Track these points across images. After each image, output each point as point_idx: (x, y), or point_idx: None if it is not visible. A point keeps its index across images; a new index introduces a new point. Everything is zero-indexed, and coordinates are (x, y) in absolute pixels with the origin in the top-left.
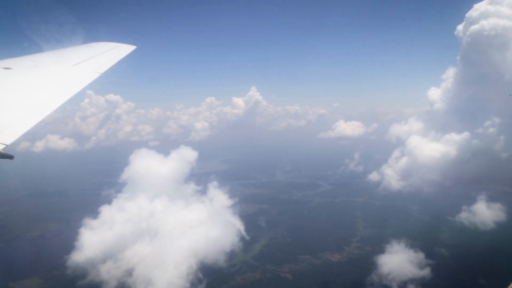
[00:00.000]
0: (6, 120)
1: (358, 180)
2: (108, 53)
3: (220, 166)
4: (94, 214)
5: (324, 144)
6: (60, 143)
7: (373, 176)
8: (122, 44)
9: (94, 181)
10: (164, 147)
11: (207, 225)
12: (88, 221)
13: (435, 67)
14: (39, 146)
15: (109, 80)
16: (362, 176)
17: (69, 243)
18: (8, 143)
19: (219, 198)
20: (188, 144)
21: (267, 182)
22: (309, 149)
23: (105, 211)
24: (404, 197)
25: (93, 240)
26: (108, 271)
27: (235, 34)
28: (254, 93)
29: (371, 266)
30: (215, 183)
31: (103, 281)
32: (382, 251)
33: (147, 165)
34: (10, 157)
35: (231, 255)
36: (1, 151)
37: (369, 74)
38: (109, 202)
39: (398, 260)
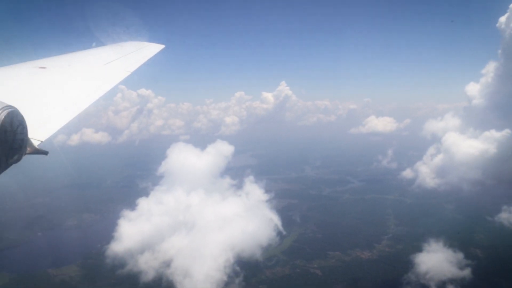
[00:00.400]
0: (41, 118)
1: (389, 177)
2: (138, 52)
3: (249, 160)
4: (127, 205)
5: (355, 140)
6: (94, 136)
7: (407, 173)
8: (151, 43)
9: (126, 173)
10: (195, 141)
11: (244, 219)
12: (126, 213)
13: (474, 61)
14: (75, 139)
15: (141, 76)
16: (393, 173)
17: (103, 234)
18: (43, 140)
19: (255, 193)
20: (218, 139)
21: (297, 178)
22: (339, 145)
23: (143, 203)
24: (439, 195)
25: (131, 231)
26: (146, 262)
27: (265, 28)
28: (284, 88)
29: (403, 264)
30: (251, 177)
31: (141, 271)
32: (414, 249)
33: (184, 159)
34: (45, 153)
35: (266, 249)
36: (37, 147)
37: (402, 69)
38: (146, 194)
39: (436, 259)
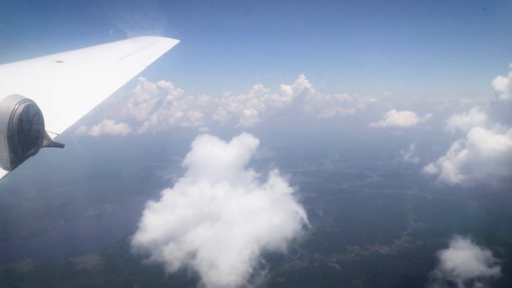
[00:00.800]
0: (57, 111)
1: (408, 172)
2: (153, 47)
3: (268, 153)
4: (146, 196)
5: (375, 134)
6: (115, 127)
7: (430, 169)
8: (166, 38)
9: (146, 164)
10: (214, 133)
11: (269, 212)
12: (151, 204)
13: (500, 54)
14: (96, 130)
15: (160, 68)
16: (414, 168)
17: (123, 223)
18: (59, 133)
19: (280, 186)
20: (236, 131)
21: (315, 171)
22: (359, 139)
23: (167, 194)
24: (462, 191)
25: (156, 222)
26: (170, 253)
27: (283, 21)
28: (303, 81)
29: (423, 260)
30: (276, 170)
31: (166, 262)
32: (434, 246)
33: (209, 151)
34: (61, 145)
35: (286, 242)
36: (53, 140)
37: (423, 62)
38: (170, 185)
39: (462, 256)
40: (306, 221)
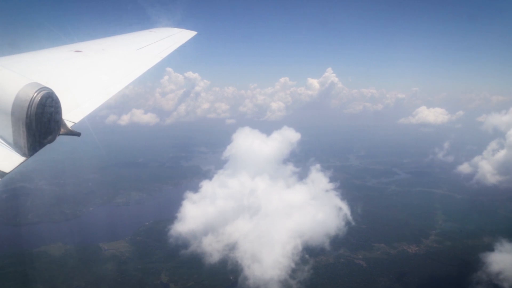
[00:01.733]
0: (75, 100)
1: (436, 171)
2: (170, 38)
3: (295, 147)
4: (173, 185)
5: (403, 131)
6: (143, 117)
7: (464, 168)
8: (183, 30)
9: (172, 154)
10: (241, 125)
11: (310, 207)
12: (189, 195)
13: None
14: (125, 119)
15: (186, 59)
16: (442, 167)
17: (150, 212)
18: (76, 121)
19: (320, 181)
20: (263, 124)
21: (341, 166)
22: (386, 135)
23: (206, 185)
24: (499, 193)
25: (194, 213)
26: (209, 244)
27: (311, 14)
28: (330, 75)
29: (453, 261)
30: (317, 165)
31: (204, 253)
32: (464, 247)
33: (249, 144)
34: (77, 134)
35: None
36: (70, 128)
37: (453, 57)
38: (208, 177)
39: (499, 259)
40: (350, 218)
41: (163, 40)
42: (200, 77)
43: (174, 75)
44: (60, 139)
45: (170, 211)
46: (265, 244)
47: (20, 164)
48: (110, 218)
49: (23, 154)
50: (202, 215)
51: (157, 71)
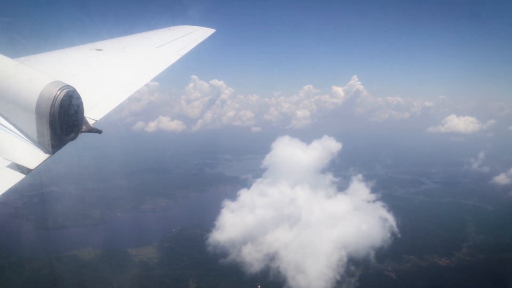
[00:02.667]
0: (96, 98)
1: (466, 181)
2: (189, 36)
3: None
4: (198, 192)
5: (431, 140)
6: (170, 124)
7: (501, 179)
8: (201, 27)
9: (196, 161)
10: (267, 133)
11: (353, 218)
12: (227, 203)
13: None
14: (152, 126)
15: (211, 67)
16: (472, 177)
17: (177, 218)
18: (97, 119)
19: (361, 191)
20: (288, 132)
21: (367, 176)
22: (413, 144)
23: (244, 194)
24: None
25: (233, 221)
26: (249, 253)
27: (336, 22)
28: (355, 82)
29: (487, 276)
30: (359, 176)
31: (244, 262)
32: (500, 261)
33: (288, 152)
34: (99, 131)
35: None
36: (92, 125)
37: (483, 64)
38: (247, 186)
39: None
40: (396, 229)
41: (181, 38)
42: (225, 84)
43: (199, 83)
44: (87, 142)
45: (197, 218)
46: (309, 255)
47: (44, 161)
48: (137, 224)
49: (47, 151)
50: (241, 223)
51: (182, 78)
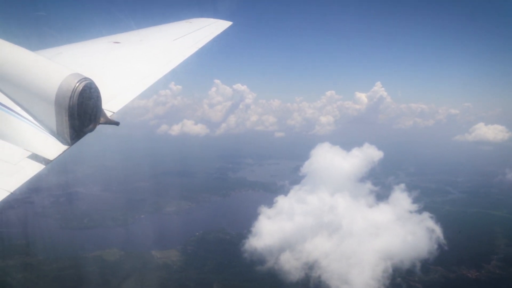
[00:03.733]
0: (114, 90)
1: (494, 191)
2: (206, 29)
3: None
4: (221, 196)
5: (458, 148)
6: (194, 128)
7: None
8: (218, 20)
9: (219, 165)
10: (290, 139)
11: (397, 227)
12: (263, 209)
13: None
14: (176, 129)
15: (233, 72)
16: (502, 187)
17: (200, 222)
18: (115, 111)
19: (403, 201)
20: (311, 138)
21: (390, 183)
22: (437, 152)
23: (281, 201)
24: None
25: (270, 228)
26: (287, 261)
27: (359, 27)
28: (379, 89)
29: None
30: (402, 185)
31: (282, 270)
32: None
33: (327, 159)
34: (116, 123)
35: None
36: (109, 117)
37: (508, 72)
38: (284, 192)
39: None
40: (443, 240)
41: (198, 31)
42: (248, 89)
43: (222, 87)
44: (112, 145)
45: (220, 222)
46: (353, 265)
47: (63, 152)
48: (161, 227)
49: (66, 143)
50: (279, 230)
51: (205, 82)
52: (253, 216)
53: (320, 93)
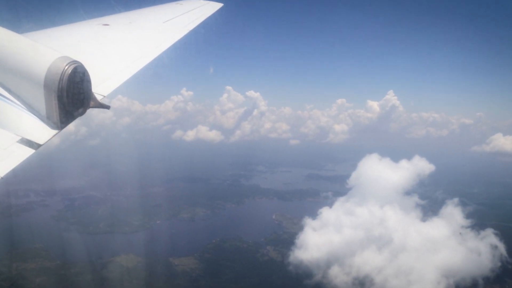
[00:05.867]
0: (104, 73)
1: (510, 203)
2: (197, 10)
3: (349, 170)
4: (235, 204)
5: (474, 159)
6: (208, 134)
7: None
8: (209, 2)
9: (232, 172)
10: (305, 146)
11: (453, 243)
12: (308, 221)
13: None
14: (190, 135)
15: (246, 77)
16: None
17: (216, 229)
18: (105, 95)
19: (455, 216)
20: (325, 146)
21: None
22: (451, 162)
23: (326, 212)
24: None
25: (316, 241)
26: (336, 276)
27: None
28: (392, 97)
29: None
30: (455, 200)
31: (331, 285)
32: None
33: (375, 171)
34: (107, 107)
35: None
36: (100, 101)
37: None
38: (328, 204)
39: None
40: (507, 258)
41: (189, 13)
42: (261, 96)
43: (234, 93)
44: (125, 149)
45: (236, 230)
46: (413, 282)
47: (53, 136)
48: (177, 233)
49: (56, 127)
50: (326, 243)
51: (217, 88)
52: (269, 224)
53: (331, 101)
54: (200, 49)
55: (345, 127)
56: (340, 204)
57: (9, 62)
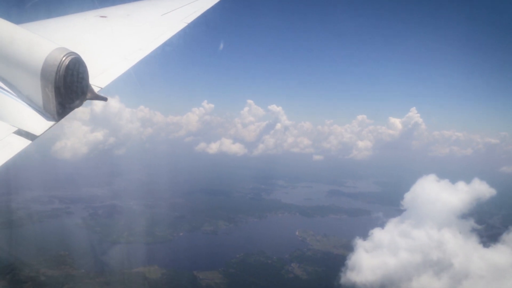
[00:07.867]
0: (101, 65)
1: None
2: (195, 3)
3: (371, 187)
4: (257, 218)
5: (503, 180)
6: (232, 147)
7: None
8: None
9: (253, 186)
10: (328, 162)
11: None
12: (358, 241)
13: None
14: (214, 148)
15: (268, 91)
16: None
17: (239, 244)
18: (102, 86)
19: None
20: (348, 162)
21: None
22: (490, 184)
23: (378, 233)
24: None
25: (369, 262)
26: None
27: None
28: (414, 115)
29: None
30: None
31: None
32: None
33: (431, 193)
34: (104, 99)
35: None
36: (97, 93)
37: None
38: (381, 225)
39: None
40: None
41: (188, 5)
42: (283, 110)
43: (255, 107)
44: (147, 159)
45: (260, 244)
46: None
47: (49, 128)
48: (201, 246)
49: (53, 119)
50: (380, 265)
51: (237, 101)
52: (292, 240)
53: (351, 116)
54: (222, 64)
55: (368, 143)
56: (393, 226)
57: (6, 53)
